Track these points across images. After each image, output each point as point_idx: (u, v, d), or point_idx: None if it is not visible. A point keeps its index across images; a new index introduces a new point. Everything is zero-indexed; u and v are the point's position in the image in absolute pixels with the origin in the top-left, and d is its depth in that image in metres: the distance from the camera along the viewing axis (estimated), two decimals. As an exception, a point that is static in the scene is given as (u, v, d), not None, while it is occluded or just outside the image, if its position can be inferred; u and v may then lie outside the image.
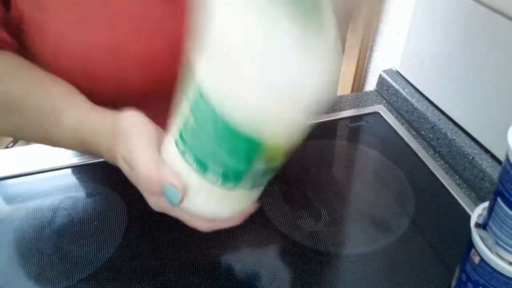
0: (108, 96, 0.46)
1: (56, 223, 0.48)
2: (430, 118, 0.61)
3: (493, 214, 0.33)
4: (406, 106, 0.65)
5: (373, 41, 0.94)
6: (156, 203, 0.36)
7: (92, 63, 0.43)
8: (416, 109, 0.63)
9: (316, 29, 0.23)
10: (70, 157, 0.57)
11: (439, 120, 0.60)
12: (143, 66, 0.45)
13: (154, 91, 0.48)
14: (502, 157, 0.39)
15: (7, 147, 1.74)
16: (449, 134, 0.57)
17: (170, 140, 0.31)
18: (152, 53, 0.44)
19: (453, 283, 0.41)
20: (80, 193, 0.52)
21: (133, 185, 0.36)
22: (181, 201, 0.31)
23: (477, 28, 0.52)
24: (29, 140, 0.45)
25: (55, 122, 0.39)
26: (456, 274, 0.40)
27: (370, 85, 0.99)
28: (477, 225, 0.36)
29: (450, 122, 0.59)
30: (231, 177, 0.28)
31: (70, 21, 0.41)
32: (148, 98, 0.49)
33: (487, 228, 0.35)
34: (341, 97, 0.70)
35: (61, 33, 0.41)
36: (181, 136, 0.29)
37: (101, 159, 0.56)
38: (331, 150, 0.59)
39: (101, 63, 0.43)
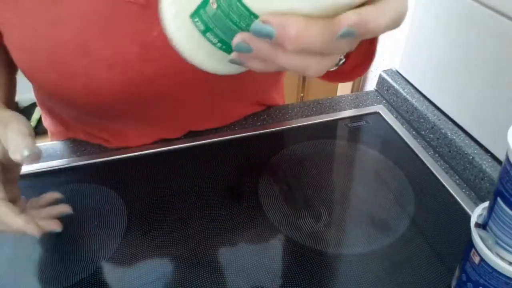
0: (80, 95, 0.47)
1: (56, 223, 0.48)
2: (430, 118, 0.61)
3: (493, 214, 0.33)
4: (406, 106, 0.65)
5: (373, 41, 0.94)
6: None
7: (64, 60, 0.44)
8: (416, 109, 0.63)
9: None
10: (70, 157, 0.57)
11: (439, 120, 0.60)
12: (113, 67, 0.45)
13: (124, 93, 0.48)
14: (502, 157, 0.39)
15: (7, 147, 1.74)
16: (449, 134, 0.57)
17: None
18: (122, 55, 0.45)
19: (453, 283, 0.41)
20: (80, 193, 0.52)
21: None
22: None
23: (477, 28, 0.52)
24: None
25: None
26: (456, 274, 0.40)
27: (370, 85, 0.99)
28: (477, 225, 0.36)
29: (450, 122, 0.59)
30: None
31: (43, 20, 0.42)
32: (119, 101, 0.49)
33: (487, 228, 0.35)
34: (341, 97, 0.70)
35: (35, 32, 0.43)
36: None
37: (101, 159, 0.56)
38: (331, 150, 0.59)
39: (72, 61, 0.44)
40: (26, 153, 0.38)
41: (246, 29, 0.24)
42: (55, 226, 0.44)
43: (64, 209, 0.46)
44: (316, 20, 0.22)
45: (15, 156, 0.38)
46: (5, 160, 0.40)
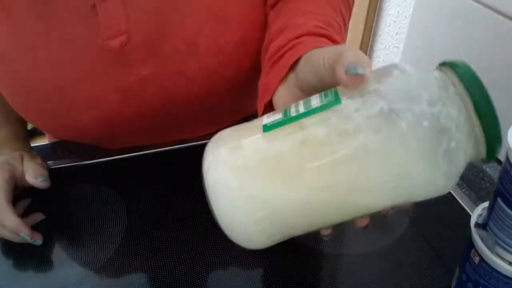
0: (65, 133, 0.50)
1: (56, 223, 0.48)
2: (430, 118, 0.61)
3: (493, 214, 0.33)
4: (406, 106, 0.65)
5: (373, 41, 0.94)
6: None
7: (47, 102, 0.45)
8: (416, 109, 0.63)
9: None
10: (70, 157, 0.57)
11: (439, 120, 0.60)
12: (93, 108, 0.46)
13: (108, 130, 0.49)
14: (502, 157, 0.39)
15: (7, 147, 1.74)
16: (449, 134, 0.57)
17: None
18: (100, 98, 0.46)
19: (453, 283, 0.41)
20: (80, 193, 0.52)
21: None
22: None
23: (477, 27, 0.52)
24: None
25: None
26: (456, 274, 0.40)
27: (370, 85, 0.99)
28: (477, 225, 0.36)
29: (450, 122, 0.59)
30: None
31: (21, 64, 0.43)
32: (104, 136, 0.51)
33: (487, 228, 0.35)
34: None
35: (14, 74, 0.44)
36: None
37: (101, 159, 0.56)
38: (331, 150, 0.59)
39: (55, 103, 0.45)
40: (40, 179, 0.49)
41: None
42: (38, 237, 0.45)
43: (39, 216, 0.48)
44: None
45: (30, 179, 0.48)
46: (19, 180, 0.48)
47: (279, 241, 0.30)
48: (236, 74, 0.48)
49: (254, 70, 0.52)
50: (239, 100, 0.58)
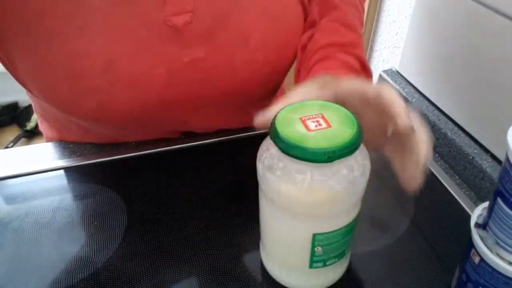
0: (91, 112, 0.46)
1: (56, 223, 0.48)
2: (430, 118, 0.61)
3: (493, 214, 0.33)
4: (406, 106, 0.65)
5: (373, 41, 0.94)
6: None
7: (84, 70, 0.42)
8: (416, 109, 0.63)
9: None
10: (70, 157, 0.57)
11: (439, 120, 0.60)
12: (135, 88, 0.44)
13: (137, 114, 0.48)
14: (502, 157, 0.39)
15: (7, 147, 1.74)
16: (449, 134, 0.58)
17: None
18: (147, 76, 0.44)
19: (453, 283, 0.41)
20: (80, 193, 0.52)
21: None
22: None
23: (477, 28, 0.52)
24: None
25: None
26: (456, 274, 0.40)
27: (370, 85, 0.99)
28: (477, 225, 0.36)
29: (450, 122, 0.59)
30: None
31: (69, 26, 0.40)
32: (128, 120, 0.49)
33: (487, 228, 0.35)
34: (341, 97, 0.70)
35: (55, 37, 0.41)
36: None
37: (101, 159, 0.56)
38: (331, 150, 0.59)
39: (95, 76, 0.43)
40: None
41: None
42: None
43: None
44: None
45: None
46: None
47: None
48: (272, 73, 0.50)
49: (284, 74, 0.54)
50: (268, 101, 0.59)
